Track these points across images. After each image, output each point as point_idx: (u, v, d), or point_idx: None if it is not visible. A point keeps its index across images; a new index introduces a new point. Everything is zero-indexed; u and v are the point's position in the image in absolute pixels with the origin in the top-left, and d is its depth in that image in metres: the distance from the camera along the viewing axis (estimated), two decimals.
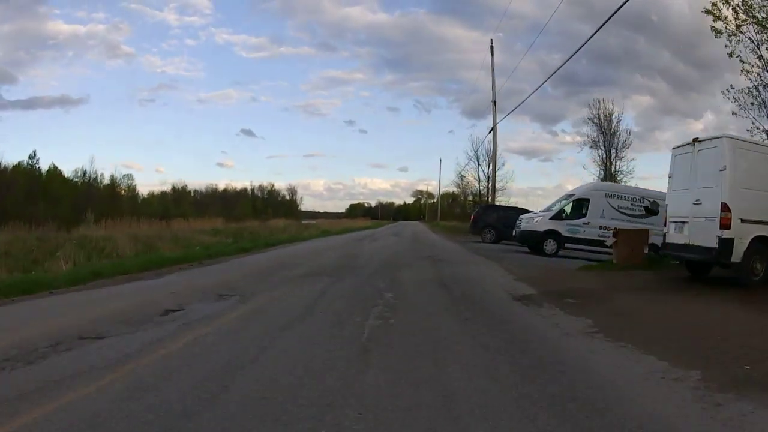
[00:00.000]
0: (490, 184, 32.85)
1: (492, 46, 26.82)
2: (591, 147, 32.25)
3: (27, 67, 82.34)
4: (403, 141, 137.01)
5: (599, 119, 31.69)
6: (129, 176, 44.97)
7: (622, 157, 31.46)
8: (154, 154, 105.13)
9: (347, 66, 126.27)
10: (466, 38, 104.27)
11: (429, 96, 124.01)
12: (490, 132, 27.64)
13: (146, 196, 48.30)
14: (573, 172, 78.58)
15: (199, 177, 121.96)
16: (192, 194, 57.48)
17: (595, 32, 12.64)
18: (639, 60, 58.46)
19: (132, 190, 42.35)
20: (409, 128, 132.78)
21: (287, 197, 72.93)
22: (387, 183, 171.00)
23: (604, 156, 31.35)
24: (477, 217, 23.19)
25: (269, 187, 71.28)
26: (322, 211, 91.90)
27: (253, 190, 68.96)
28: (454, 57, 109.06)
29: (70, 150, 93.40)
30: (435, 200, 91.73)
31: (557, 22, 74.14)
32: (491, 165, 27.80)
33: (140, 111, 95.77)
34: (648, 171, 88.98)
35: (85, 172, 38.27)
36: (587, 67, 60.70)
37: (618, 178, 30.25)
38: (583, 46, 14.15)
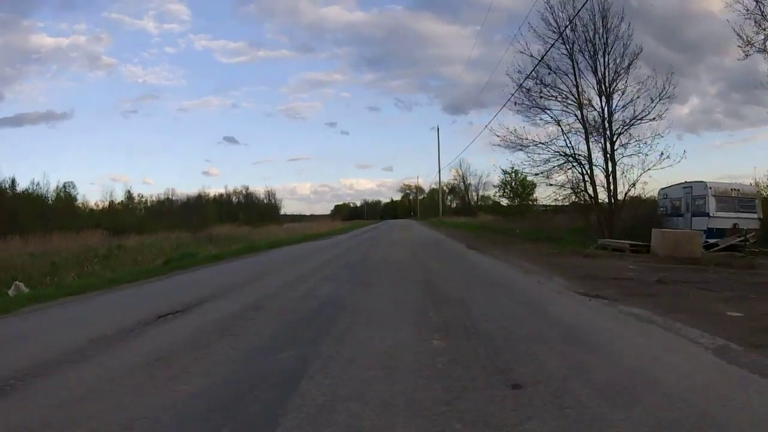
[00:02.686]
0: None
1: None
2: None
3: (13, 83, 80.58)
4: (386, 140, 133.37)
5: None
6: (71, 184, 41.13)
7: None
8: (141, 165, 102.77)
9: (327, 67, 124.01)
10: (445, 33, 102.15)
11: (409, 93, 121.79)
12: None
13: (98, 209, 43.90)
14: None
15: (185, 187, 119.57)
16: (164, 203, 54.44)
17: None
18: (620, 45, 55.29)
19: (67, 200, 38.46)
20: (391, 127, 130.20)
21: (265, 201, 70.31)
22: (373, 183, 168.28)
23: None
24: None
25: (243, 191, 68.69)
26: (309, 213, 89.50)
27: (228, 195, 66.49)
28: (433, 52, 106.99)
29: (57, 166, 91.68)
30: (424, 196, 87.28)
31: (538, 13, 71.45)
32: None
33: (124, 122, 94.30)
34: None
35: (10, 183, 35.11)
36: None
37: None
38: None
